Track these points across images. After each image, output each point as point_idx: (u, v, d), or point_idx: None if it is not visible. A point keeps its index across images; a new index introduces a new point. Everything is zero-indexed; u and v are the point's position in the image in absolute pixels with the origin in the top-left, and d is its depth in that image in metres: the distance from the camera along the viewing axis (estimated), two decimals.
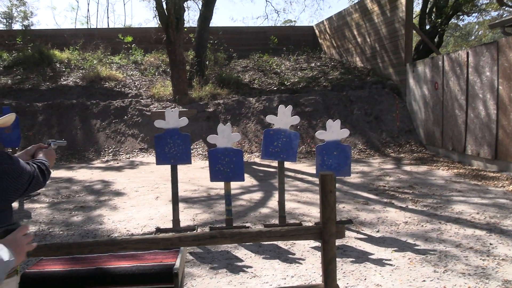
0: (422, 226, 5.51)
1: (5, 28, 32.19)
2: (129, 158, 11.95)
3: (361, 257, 4.55)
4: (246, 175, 9.51)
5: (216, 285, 3.94)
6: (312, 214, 6.30)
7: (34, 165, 1.88)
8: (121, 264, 2.40)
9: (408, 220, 5.77)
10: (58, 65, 16.10)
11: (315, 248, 4.88)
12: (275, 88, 14.89)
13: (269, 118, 5.61)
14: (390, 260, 4.42)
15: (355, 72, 15.51)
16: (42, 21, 61.77)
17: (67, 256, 2.49)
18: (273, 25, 23.94)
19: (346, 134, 5.58)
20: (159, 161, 5.61)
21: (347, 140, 12.03)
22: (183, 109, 13.23)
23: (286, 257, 4.62)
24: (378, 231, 5.39)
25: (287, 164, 10.22)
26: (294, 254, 4.71)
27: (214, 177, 5.47)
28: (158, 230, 5.64)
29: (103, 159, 11.90)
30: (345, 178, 8.51)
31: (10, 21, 36.34)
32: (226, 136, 5.38)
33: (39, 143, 1.99)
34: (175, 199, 5.61)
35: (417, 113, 12.17)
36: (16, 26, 34.52)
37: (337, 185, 7.97)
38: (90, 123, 13.08)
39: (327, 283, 2.25)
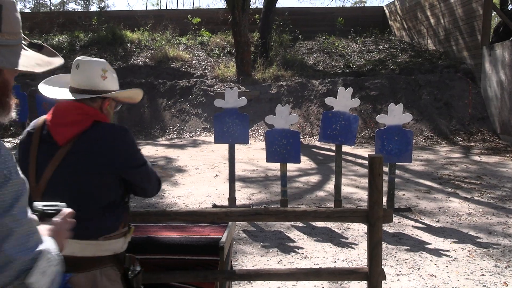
0: (487, 218, 5.22)
1: (82, 10, 34.04)
2: (192, 137, 12.30)
3: (417, 246, 4.41)
4: (305, 158, 9.47)
5: (266, 263, 4.00)
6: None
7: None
8: (171, 235, 2.50)
9: (472, 212, 5.48)
10: (129, 45, 16.79)
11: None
12: (339, 71, 14.57)
13: (329, 100, 5.52)
14: (448, 251, 4.24)
15: (426, 55, 14.78)
16: (117, 3, 64.37)
17: None
18: (341, 6, 23.30)
19: (409, 119, 5.37)
20: (218, 140, 5.73)
21: (413, 126, 11.57)
22: (245, 90, 13.36)
23: (339, 241, 4.57)
24: (438, 221, 5.17)
25: (348, 149, 10.04)
26: (347, 238, 4.65)
27: (270, 158, 5.50)
28: (215, 206, 5.80)
29: (167, 137, 12.34)
30: (408, 165, 8.21)
31: (87, 3, 38.34)
32: (284, 117, 5.37)
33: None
34: (232, 178, 5.72)
35: (492, 99, 11.41)
36: (93, 8, 36.32)
37: (398, 172, 7.73)
38: (157, 101, 13.58)
39: (372, 267, 2.20)
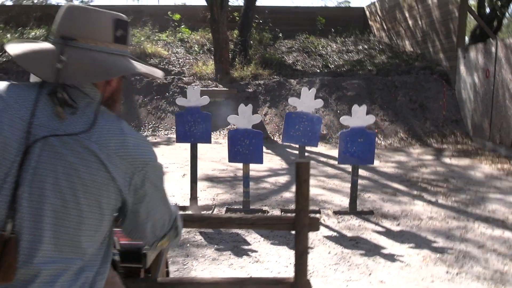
0: (447, 222, 5.20)
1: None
2: (167, 135, 12.15)
3: (373, 250, 4.36)
4: (277, 158, 9.42)
5: (216, 267, 3.91)
6: (334, 202, 6.12)
7: None
8: None
9: (434, 215, 5.47)
10: None
11: (328, 237, 4.74)
12: (318, 71, 14.54)
13: (292, 101, 5.45)
14: (402, 256, 4.20)
15: (403, 57, 14.83)
16: None
17: None
18: (323, 6, 23.29)
19: (372, 120, 5.32)
20: (179, 139, 5.63)
21: (388, 127, 11.59)
22: (222, 88, 13.25)
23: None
24: (398, 225, 5.14)
25: (321, 149, 10.02)
26: (308, 243, 4.58)
27: (232, 158, 5.43)
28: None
29: (142, 134, 12.16)
30: (379, 167, 8.22)
31: None
32: (246, 117, 5.29)
33: None
34: (194, 178, 5.63)
35: (466, 102, 11.48)
36: (76, 2, 35.73)
37: (368, 173, 7.72)
38: (133, 98, 13.38)
39: (297, 277, 2.13)
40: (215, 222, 2.15)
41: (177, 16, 17.82)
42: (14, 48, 1.19)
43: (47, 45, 1.19)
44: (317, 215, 5.35)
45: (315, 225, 2.10)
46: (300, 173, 2.05)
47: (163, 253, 2.62)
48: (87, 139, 1.10)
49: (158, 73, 1.43)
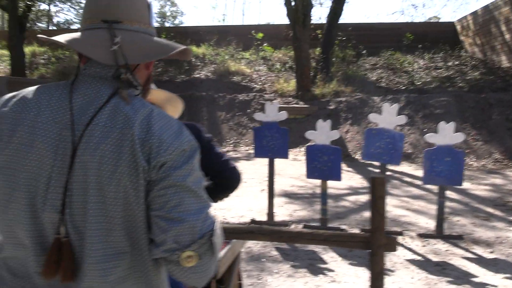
0: None
1: (158, 26, 35.78)
2: (247, 150, 12.32)
3: (462, 278, 4.01)
4: (358, 176, 9.13)
5: (291, 284, 3.82)
6: (419, 224, 5.75)
7: None
8: None
9: None
10: (194, 60, 17.30)
11: (411, 261, 4.45)
12: (403, 88, 13.99)
13: (373, 117, 5.26)
14: (496, 286, 3.81)
15: (498, 73, 13.79)
16: (188, 19, 67.18)
17: None
18: (409, 21, 22.50)
19: (461, 138, 4.96)
20: (257, 154, 5.66)
21: (481, 148, 10.77)
22: (303, 105, 13.21)
23: None
24: (492, 252, 4.69)
25: (406, 169, 9.56)
26: (384, 264, 4.34)
27: (310, 174, 5.34)
28: (253, 221, 5.70)
29: (223, 150, 12.46)
30: (470, 190, 7.64)
31: (163, 20, 40.29)
32: (325, 132, 5.19)
33: None
34: (271, 193, 5.61)
35: None
36: (168, 25, 38.05)
37: (457, 195, 7.19)
38: (216, 114, 13.80)
39: None
40: (285, 236, 2.09)
41: (260, 35, 18.20)
42: (63, 38, 1.17)
43: (90, 32, 1.15)
44: (399, 237, 5.06)
45: (392, 245, 1.96)
46: (375, 189, 1.93)
47: (236, 264, 2.59)
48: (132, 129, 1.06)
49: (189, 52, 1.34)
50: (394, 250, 1.99)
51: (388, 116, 5.10)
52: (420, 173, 9.43)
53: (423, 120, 11.84)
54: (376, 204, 1.92)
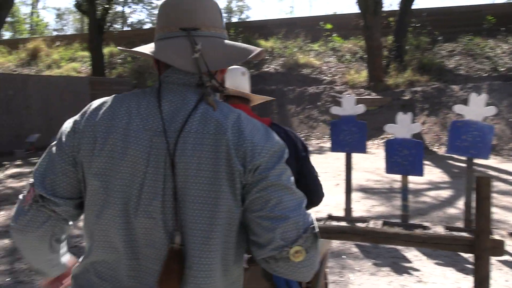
0: None
1: (225, 22, 36.41)
2: (318, 144, 12.20)
3: None
4: (438, 170, 8.73)
5: (374, 283, 3.72)
6: (509, 221, 5.38)
7: None
8: None
9: None
10: None
11: (504, 262, 4.16)
12: (485, 75, 13.13)
13: (458, 108, 4.97)
14: None
15: None
16: (255, 13, 67.49)
17: None
18: (490, 3, 20.99)
19: (492, 112, 4.60)
20: (334, 148, 5.56)
21: None
22: (376, 96, 12.82)
23: (463, 266, 4.05)
24: None
25: (491, 162, 8.97)
26: (490, 269, 4.09)
27: (390, 169, 5.15)
28: (330, 217, 5.61)
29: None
30: None
31: (230, 15, 40.91)
32: (405, 125, 4.98)
33: None
34: (348, 188, 5.49)
35: None
36: (234, 19, 38.57)
37: None
38: (286, 108, 13.79)
39: None
40: (380, 237, 2.02)
41: (329, 26, 17.89)
42: (145, 49, 1.19)
43: (170, 40, 1.15)
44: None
45: (498, 249, 1.83)
46: (481, 190, 1.80)
47: (323, 264, 2.56)
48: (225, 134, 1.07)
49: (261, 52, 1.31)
50: (501, 254, 1.86)
51: (475, 108, 4.79)
52: (506, 166, 8.83)
53: (508, 109, 11.04)
54: (482, 205, 1.80)
